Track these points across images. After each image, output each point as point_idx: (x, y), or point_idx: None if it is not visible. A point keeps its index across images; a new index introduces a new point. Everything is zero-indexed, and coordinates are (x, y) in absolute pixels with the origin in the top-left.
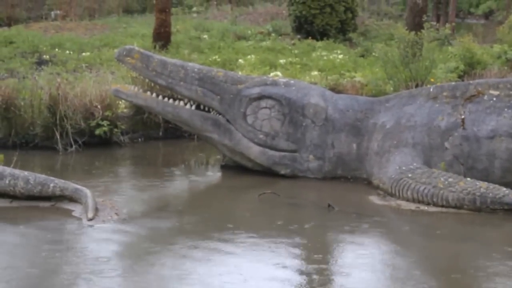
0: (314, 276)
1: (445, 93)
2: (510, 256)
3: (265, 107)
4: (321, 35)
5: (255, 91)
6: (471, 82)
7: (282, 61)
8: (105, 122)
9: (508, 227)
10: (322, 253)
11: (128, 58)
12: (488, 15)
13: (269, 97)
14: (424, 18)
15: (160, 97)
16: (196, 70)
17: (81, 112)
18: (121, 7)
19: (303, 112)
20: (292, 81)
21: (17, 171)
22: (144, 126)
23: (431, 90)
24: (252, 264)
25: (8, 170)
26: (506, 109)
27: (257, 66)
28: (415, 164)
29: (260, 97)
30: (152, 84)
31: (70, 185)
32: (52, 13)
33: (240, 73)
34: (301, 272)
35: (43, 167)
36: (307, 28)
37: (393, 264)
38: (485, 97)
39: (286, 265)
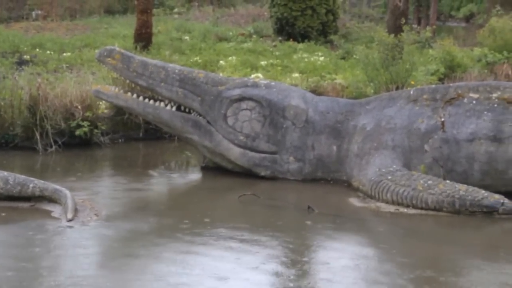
0: (293, 278)
1: (425, 96)
2: (488, 258)
3: (246, 109)
4: (302, 37)
5: (236, 92)
6: (451, 85)
7: (263, 63)
8: (85, 123)
9: (486, 229)
10: (302, 255)
11: (109, 59)
12: (468, 18)
13: (250, 98)
14: (403, 21)
15: (141, 98)
16: (177, 71)
17: (61, 113)
18: (102, 7)
19: (283, 114)
20: (273, 83)
21: None
22: (124, 127)
23: (411, 92)
24: (232, 266)
25: None
26: (485, 112)
27: (238, 68)
28: (394, 166)
29: (241, 99)
30: (133, 85)
31: (49, 186)
32: (33, 13)
33: (221, 74)
34: (280, 274)
35: (22, 168)
36: (288, 30)
37: (372, 266)
38: (465, 100)
39: (265, 266)
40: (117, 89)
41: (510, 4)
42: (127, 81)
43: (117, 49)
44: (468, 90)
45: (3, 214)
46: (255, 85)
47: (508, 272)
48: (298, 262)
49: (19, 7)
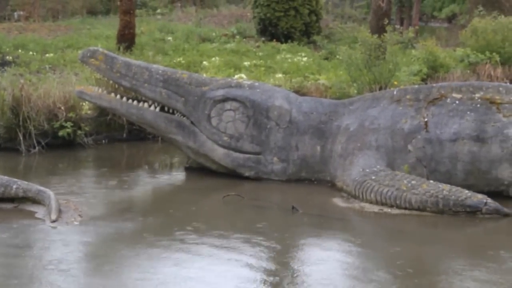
0: (277, 278)
1: (408, 96)
2: (472, 258)
3: (230, 109)
4: (286, 37)
5: (220, 93)
6: (434, 85)
7: (246, 63)
8: (68, 124)
9: (470, 229)
10: (286, 255)
11: (92, 60)
12: (451, 18)
13: (234, 99)
14: (386, 21)
15: (124, 98)
16: (160, 72)
17: (44, 114)
18: (85, 8)
19: (267, 115)
20: (256, 84)
21: None
22: (108, 128)
23: (395, 93)
24: (216, 266)
25: None
26: (468, 112)
27: (222, 68)
28: (378, 166)
29: (225, 99)
30: (116, 86)
31: (33, 187)
32: (15, 13)
33: (204, 75)
34: (264, 274)
35: (5, 169)
36: (271, 30)
37: (356, 265)
38: (448, 100)
39: (250, 266)
40: (100, 90)
41: (492, 4)
42: (111, 82)
43: (101, 50)
44: (451, 90)
45: None
46: (239, 85)
47: (491, 271)
48: (281, 262)
49: (0, 8)
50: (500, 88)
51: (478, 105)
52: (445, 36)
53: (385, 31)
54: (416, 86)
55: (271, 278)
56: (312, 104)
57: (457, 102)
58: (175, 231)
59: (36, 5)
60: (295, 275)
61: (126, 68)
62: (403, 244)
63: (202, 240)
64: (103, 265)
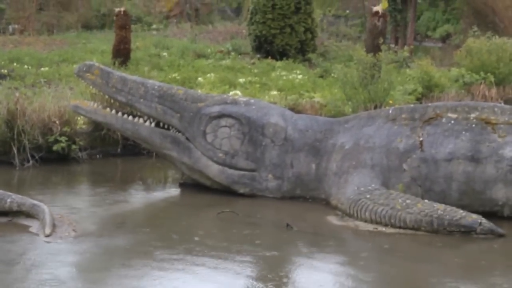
0: None
1: (404, 115)
2: (465, 277)
3: (225, 126)
4: (281, 55)
5: (215, 109)
6: (429, 104)
7: (241, 80)
8: (63, 138)
9: (464, 249)
10: (279, 272)
11: (88, 74)
12: (445, 38)
13: (229, 115)
14: (381, 40)
15: (120, 113)
16: (156, 87)
17: (39, 128)
18: (79, 22)
19: (262, 132)
20: (252, 100)
21: None
22: (102, 143)
23: (390, 112)
24: (208, 283)
25: None
26: (464, 132)
27: (217, 85)
28: (373, 185)
29: (220, 116)
30: (112, 101)
31: (27, 201)
32: (10, 27)
33: (199, 91)
34: None
35: None
36: (266, 47)
37: (350, 285)
38: (444, 120)
39: (242, 284)
40: (95, 105)
41: (486, 25)
42: (106, 96)
43: (96, 64)
44: (446, 110)
45: None
46: (235, 102)
47: None
48: (275, 279)
49: None
50: (496, 109)
51: (474, 125)
52: (439, 55)
53: (380, 50)
54: (412, 105)
55: None
56: (308, 122)
57: (452, 122)
58: (169, 247)
59: (31, 18)
60: None
61: (122, 83)
62: (397, 263)
63: (196, 256)
64: (96, 280)
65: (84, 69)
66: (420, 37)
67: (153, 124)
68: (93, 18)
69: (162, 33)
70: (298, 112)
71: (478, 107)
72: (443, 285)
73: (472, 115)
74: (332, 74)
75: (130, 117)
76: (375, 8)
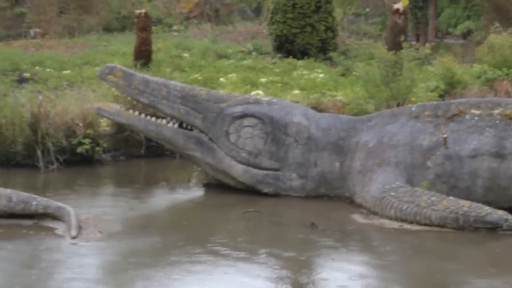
0: None
1: (427, 112)
2: (492, 274)
3: (248, 126)
4: (302, 54)
5: (238, 109)
6: (453, 101)
7: (263, 79)
8: (86, 140)
9: (490, 246)
10: (305, 271)
11: (111, 76)
12: (466, 35)
13: (252, 115)
14: (402, 38)
15: (143, 115)
16: (178, 88)
17: (62, 130)
18: (100, 25)
19: (285, 131)
20: (274, 100)
21: None
22: (126, 144)
23: (413, 109)
24: (235, 283)
25: None
26: (487, 128)
27: (238, 85)
28: (398, 182)
29: (243, 116)
30: (135, 102)
31: (52, 203)
32: (31, 31)
33: (222, 91)
34: None
35: (24, 185)
36: (287, 47)
37: (376, 283)
38: (467, 116)
39: (269, 284)
40: (119, 107)
41: (508, 21)
42: (129, 98)
43: (119, 66)
44: (470, 106)
45: (7, 232)
46: (257, 102)
47: None
48: (300, 278)
49: (17, 25)
50: None
51: (497, 121)
52: (460, 52)
53: (402, 48)
54: (435, 102)
55: None
56: (331, 121)
57: (476, 118)
58: (195, 248)
59: (52, 22)
60: None
61: (144, 85)
62: (423, 261)
63: (221, 257)
64: (122, 281)
65: (107, 71)
66: (441, 34)
67: (176, 125)
68: (114, 21)
69: (182, 34)
70: (321, 111)
71: (502, 103)
72: (470, 283)
73: (496, 111)
74: (354, 73)
75: (153, 119)
76: (396, 6)
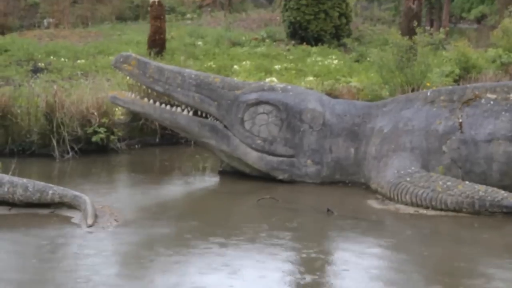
0: (314, 281)
1: (442, 97)
2: (508, 259)
3: (263, 113)
4: (316, 40)
5: (253, 96)
6: (468, 86)
7: (277, 66)
8: (101, 129)
9: (507, 230)
10: (321, 257)
11: (125, 65)
12: (480, 19)
13: (267, 102)
14: (415, 23)
15: (158, 103)
16: (193, 76)
17: (77, 119)
18: (113, 14)
19: (300, 117)
20: (289, 87)
21: (15, 179)
22: (140, 133)
23: (428, 94)
24: (252, 269)
25: (6, 177)
26: (503, 113)
27: (252, 72)
28: (413, 168)
29: (258, 103)
30: (149, 91)
31: (69, 192)
32: (45, 21)
33: (236, 79)
34: (300, 277)
35: (40, 175)
36: (301, 33)
37: (393, 267)
38: (483, 101)
39: (286, 269)
40: (133, 95)
41: None
42: (143, 87)
43: (133, 55)
44: (485, 90)
45: (23, 221)
46: (272, 89)
47: None
48: (317, 264)
49: (30, 15)
50: None
51: None
52: (475, 37)
53: (416, 33)
54: (450, 87)
55: (305, 282)
56: (345, 107)
57: (491, 102)
58: (211, 235)
59: (66, 12)
60: (330, 277)
61: (159, 73)
62: (439, 246)
63: (237, 243)
64: (139, 270)
65: (121, 60)
66: (455, 18)
67: (191, 113)
68: (127, 10)
69: (196, 22)
70: (335, 97)
71: None
72: (486, 267)
73: None
74: (368, 58)
75: (168, 107)
76: None
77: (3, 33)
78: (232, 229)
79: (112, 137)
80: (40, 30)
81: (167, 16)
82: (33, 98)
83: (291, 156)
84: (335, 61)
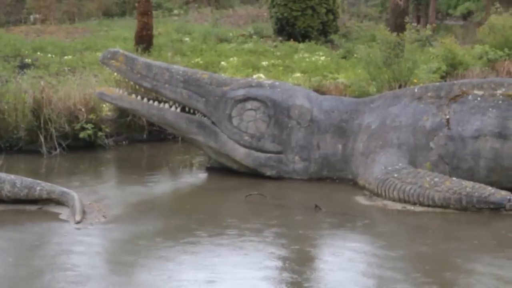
0: (299, 277)
1: (429, 94)
2: (496, 254)
3: (251, 109)
4: (303, 37)
5: (240, 93)
6: (455, 82)
7: (264, 63)
8: (89, 125)
9: (494, 226)
10: (309, 253)
11: (113, 61)
12: (466, 16)
13: (255, 98)
14: (406, 19)
15: (145, 99)
16: (181, 72)
17: (65, 115)
18: (100, 10)
19: (288, 114)
20: (277, 83)
21: (3, 175)
22: (128, 129)
23: (416, 90)
24: (239, 266)
25: None
26: (490, 109)
27: (240, 68)
28: (400, 164)
29: (246, 99)
30: (137, 87)
31: (57, 188)
32: (31, 16)
33: (224, 75)
34: (287, 273)
35: (28, 171)
36: (288, 30)
37: (380, 263)
38: (470, 97)
39: (273, 265)
40: (121, 91)
41: (508, 1)
42: (131, 83)
43: (121, 51)
44: (472, 87)
45: (11, 217)
46: (260, 85)
47: None
48: (304, 261)
49: (17, 11)
50: None
51: (500, 102)
52: (461, 33)
53: (403, 29)
54: (437, 83)
55: (293, 277)
56: (333, 103)
57: (478, 99)
58: (198, 231)
59: (52, 7)
60: (317, 274)
61: (147, 69)
62: (426, 242)
63: (224, 239)
64: (127, 265)
65: (109, 56)
66: (441, 15)
67: (178, 109)
68: (114, 6)
69: (183, 19)
70: (323, 93)
71: (504, 83)
72: (473, 262)
73: (499, 92)
74: (355, 55)
75: (156, 103)
76: None
77: None
78: (220, 225)
79: (99, 133)
80: (27, 26)
81: (154, 12)
82: (20, 94)
83: (279, 153)
84: (322, 58)
